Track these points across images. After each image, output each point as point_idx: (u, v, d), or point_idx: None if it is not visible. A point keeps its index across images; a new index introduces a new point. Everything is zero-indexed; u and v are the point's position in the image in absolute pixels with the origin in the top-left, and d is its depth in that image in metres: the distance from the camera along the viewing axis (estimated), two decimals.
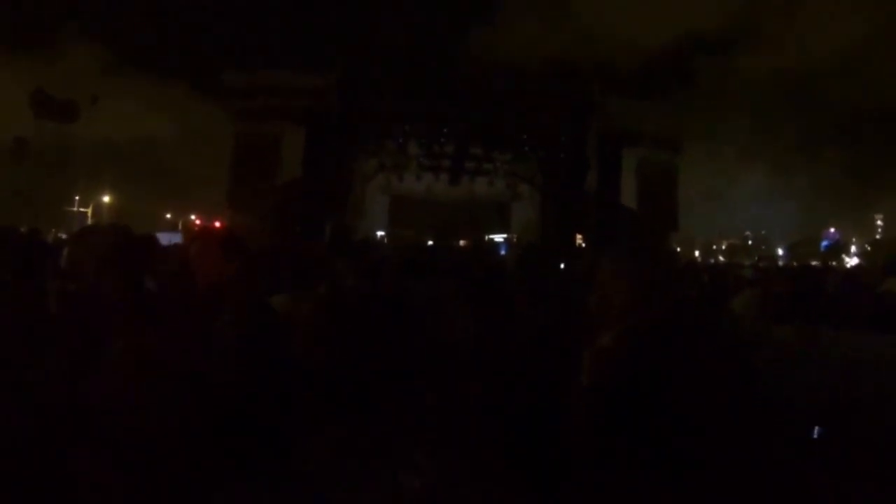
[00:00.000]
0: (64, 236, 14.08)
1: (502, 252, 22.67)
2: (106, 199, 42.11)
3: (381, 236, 25.86)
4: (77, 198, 42.03)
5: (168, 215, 51.27)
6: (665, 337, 2.09)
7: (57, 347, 2.12)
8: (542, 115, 20.67)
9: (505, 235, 29.84)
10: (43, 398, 1.96)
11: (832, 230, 58.41)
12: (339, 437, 1.96)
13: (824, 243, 53.34)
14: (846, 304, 5.34)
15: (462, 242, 23.52)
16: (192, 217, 43.54)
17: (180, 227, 42.36)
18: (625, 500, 1.81)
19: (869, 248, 55.14)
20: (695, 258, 38.12)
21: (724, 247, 63.53)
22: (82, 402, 1.91)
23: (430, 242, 23.46)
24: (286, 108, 19.96)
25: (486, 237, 27.93)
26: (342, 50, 19.38)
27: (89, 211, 42.73)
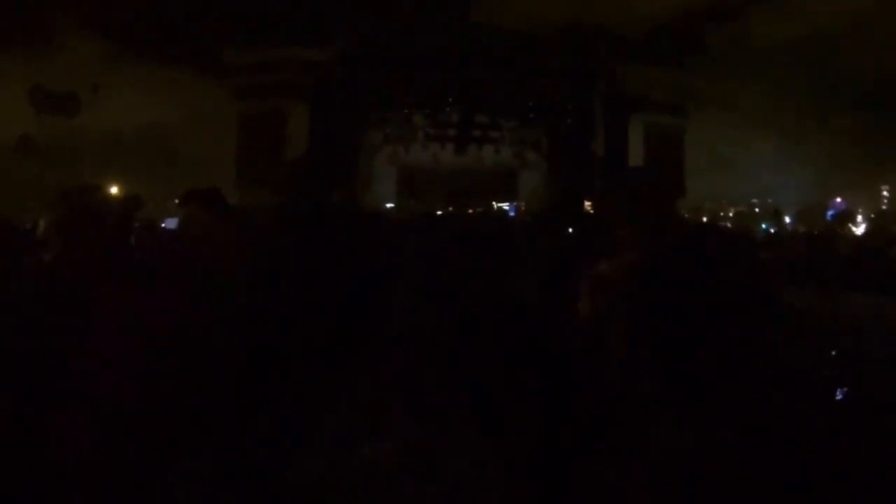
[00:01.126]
0: None
1: (511, 214, 22.77)
2: (114, 189, 42.29)
3: (391, 208, 25.83)
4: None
5: (177, 201, 51.17)
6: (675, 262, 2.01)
7: (33, 318, 2.04)
8: (548, 81, 20.54)
9: (513, 203, 29.79)
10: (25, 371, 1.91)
11: (839, 200, 58.07)
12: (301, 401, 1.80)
13: (830, 213, 53.07)
14: (859, 268, 5.35)
15: (471, 211, 23.56)
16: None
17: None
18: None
19: (874, 218, 54.87)
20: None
21: (731, 214, 63.35)
22: (64, 372, 1.87)
23: (439, 212, 23.51)
24: (289, 83, 19.84)
25: (495, 205, 27.90)
26: (343, 21, 19.06)
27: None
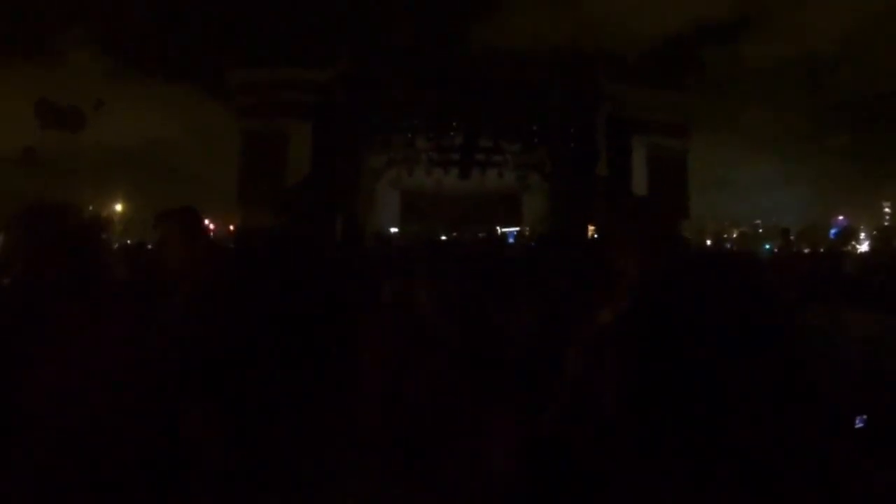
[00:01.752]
0: None
1: (510, 241, 22.77)
2: (118, 207, 42.22)
3: (395, 232, 25.86)
4: (91, 207, 42.16)
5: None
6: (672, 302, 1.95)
7: None
8: (551, 105, 20.60)
9: (517, 228, 29.81)
10: None
11: (840, 217, 58.07)
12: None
13: (833, 230, 53.04)
14: (865, 286, 5.34)
15: (480, 235, 23.56)
16: (205, 220, 43.40)
17: None
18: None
19: (877, 234, 54.75)
20: (706, 247, 37.87)
21: (734, 235, 63.28)
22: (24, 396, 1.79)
23: (444, 237, 23.52)
24: (291, 104, 19.90)
25: (499, 229, 27.91)
26: (347, 43, 19.15)
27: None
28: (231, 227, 22.46)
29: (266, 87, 20.03)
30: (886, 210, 63.58)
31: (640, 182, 21.77)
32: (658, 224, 2.47)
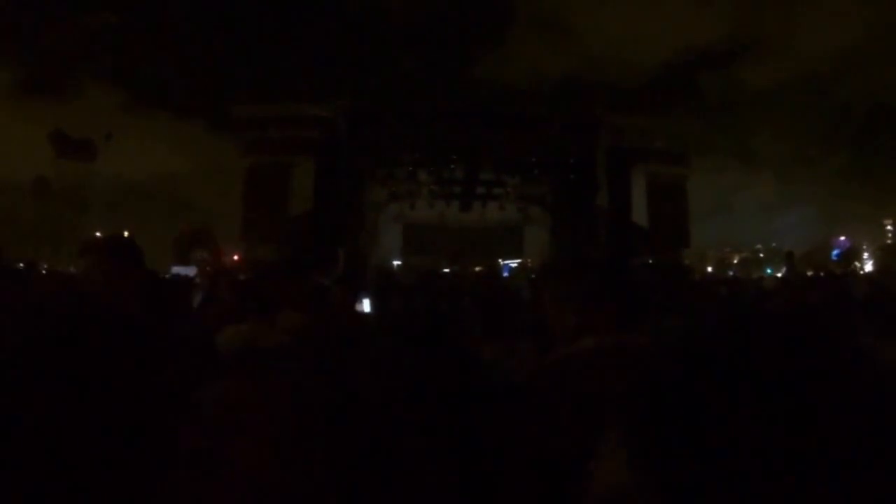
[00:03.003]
0: None
1: (505, 274, 22.83)
2: (125, 234, 42.29)
3: (397, 265, 25.92)
4: (98, 234, 42.27)
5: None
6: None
7: None
8: (550, 137, 20.70)
9: (519, 259, 29.87)
10: None
11: (842, 238, 58.14)
12: None
13: (835, 252, 53.10)
14: (878, 311, 5.32)
15: (477, 269, 23.60)
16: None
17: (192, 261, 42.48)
18: None
19: (880, 254, 54.84)
20: (708, 273, 37.96)
21: (735, 261, 63.38)
22: None
23: (446, 269, 23.57)
24: (295, 138, 20.08)
25: (501, 262, 27.96)
26: (349, 79, 19.46)
27: None
28: (235, 258, 22.60)
29: (270, 122, 20.23)
30: (889, 227, 63.53)
31: (640, 211, 21.82)
32: (597, 282, 2.41)
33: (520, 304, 5.61)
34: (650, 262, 21.69)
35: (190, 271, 19.18)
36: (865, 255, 56.49)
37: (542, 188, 24.99)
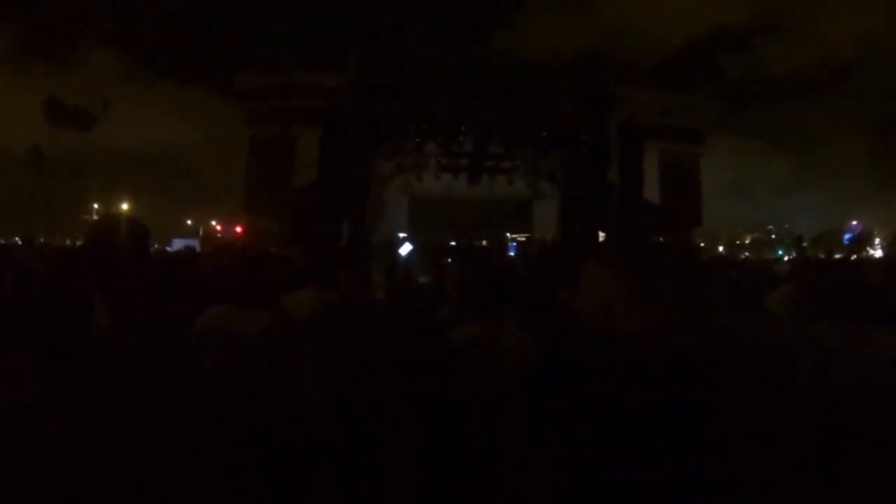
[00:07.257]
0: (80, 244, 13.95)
1: (511, 253, 22.55)
2: (124, 206, 42.04)
3: (402, 238, 25.58)
4: (95, 206, 41.90)
5: (189, 221, 51.28)
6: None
7: None
8: (562, 111, 20.27)
9: (527, 234, 29.57)
10: None
11: (854, 222, 57.73)
12: None
13: (847, 236, 52.78)
14: (890, 298, 4.96)
15: (484, 242, 23.29)
16: (213, 223, 43.42)
17: (200, 233, 42.33)
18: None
19: (892, 239, 54.56)
20: (719, 253, 37.67)
21: (747, 241, 63.12)
22: None
23: (453, 243, 23.26)
24: (300, 108, 19.78)
25: (509, 236, 27.67)
26: (357, 48, 18.97)
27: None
28: (238, 230, 22.38)
29: (275, 91, 19.90)
30: None
31: (652, 189, 21.47)
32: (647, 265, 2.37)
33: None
34: (661, 240, 21.38)
35: (190, 242, 19.00)
36: (877, 240, 56.13)
37: (552, 162, 24.54)
